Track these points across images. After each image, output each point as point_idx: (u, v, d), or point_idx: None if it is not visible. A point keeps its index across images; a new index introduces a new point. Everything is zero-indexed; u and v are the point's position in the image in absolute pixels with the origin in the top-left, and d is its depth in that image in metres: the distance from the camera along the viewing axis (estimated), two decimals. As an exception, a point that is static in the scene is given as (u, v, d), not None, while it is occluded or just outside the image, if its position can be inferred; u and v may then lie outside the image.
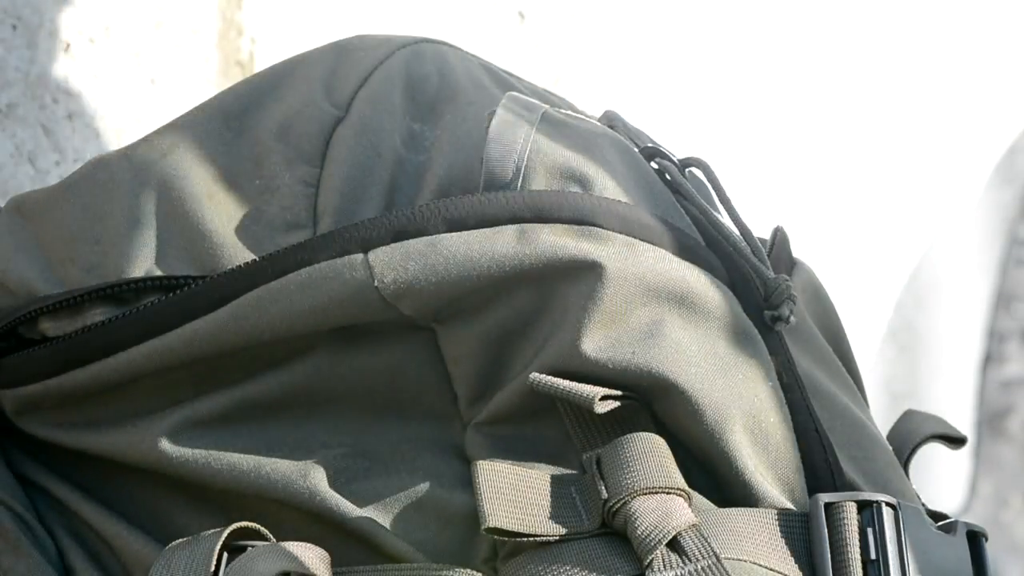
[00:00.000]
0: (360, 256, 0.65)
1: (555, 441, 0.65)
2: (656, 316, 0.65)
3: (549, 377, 0.64)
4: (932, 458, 2.17)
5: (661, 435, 0.64)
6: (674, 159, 0.73)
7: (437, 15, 1.23)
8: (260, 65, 1.08)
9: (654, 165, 0.71)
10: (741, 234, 0.69)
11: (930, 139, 1.86)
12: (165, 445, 0.66)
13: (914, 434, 0.74)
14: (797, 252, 0.77)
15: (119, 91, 0.99)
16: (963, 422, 1.94)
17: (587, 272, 0.64)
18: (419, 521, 0.64)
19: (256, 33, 1.09)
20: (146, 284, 0.68)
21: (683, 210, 0.69)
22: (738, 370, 0.66)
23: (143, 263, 0.68)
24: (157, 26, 1.01)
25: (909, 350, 1.91)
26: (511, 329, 0.65)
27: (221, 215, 0.69)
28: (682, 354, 0.64)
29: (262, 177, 0.70)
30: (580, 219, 0.65)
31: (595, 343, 0.64)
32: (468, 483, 0.64)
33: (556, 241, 0.64)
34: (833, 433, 0.69)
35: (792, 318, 0.68)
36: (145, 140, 0.73)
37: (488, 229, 0.65)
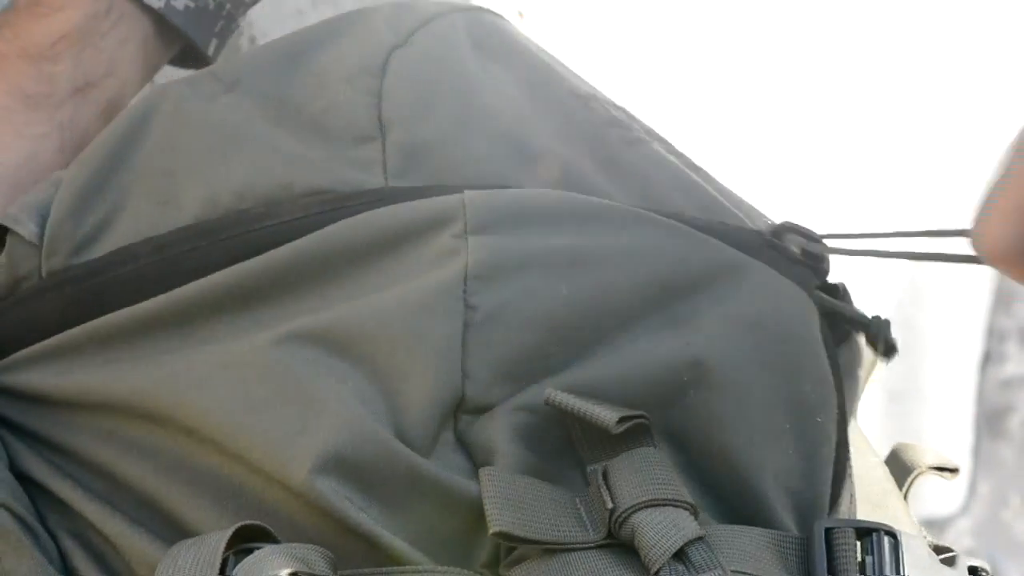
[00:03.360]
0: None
1: (563, 449, 0.65)
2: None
3: (566, 395, 0.63)
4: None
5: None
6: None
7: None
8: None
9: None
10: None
11: (930, 137, 1.86)
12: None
13: (909, 467, 0.75)
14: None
15: (119, 90, 0.99)
16: (962, 421, 1.94)
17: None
18: (421, 511, 0.63)
19: (256, 33, 1.09)
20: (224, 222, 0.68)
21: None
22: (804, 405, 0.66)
23: (218, 189, 0.68)
24: (157, 25, 1.00)
25: (908, 349, 1.91)
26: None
27: (290, 137, 0.69)
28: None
29: (324, 98, 0.70)
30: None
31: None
32: (471, 475, 0.64)
33: None
34: (860, 477, 0.70)
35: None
36: (208, 72, 0.73)
37: None
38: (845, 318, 0.70)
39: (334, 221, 0.66)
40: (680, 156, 0.73)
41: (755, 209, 0.73)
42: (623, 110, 0.75)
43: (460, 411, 0.64)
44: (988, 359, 1.97)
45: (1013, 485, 1.95)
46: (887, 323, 0.71)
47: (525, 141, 0.70)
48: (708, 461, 0.64)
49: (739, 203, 0.73)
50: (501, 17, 0.77)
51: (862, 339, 0.72)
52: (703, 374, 0.64)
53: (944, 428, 1.94)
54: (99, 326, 0.67)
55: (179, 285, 0.67)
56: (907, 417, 1.87)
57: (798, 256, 0.69)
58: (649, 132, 0.74)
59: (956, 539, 1.86)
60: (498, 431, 0.64)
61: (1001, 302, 1.98)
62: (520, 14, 1.28)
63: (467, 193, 0.66)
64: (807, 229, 0.70)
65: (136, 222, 0.68)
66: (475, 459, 0.64)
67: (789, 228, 0.70)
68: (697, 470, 0.64)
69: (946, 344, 1.95)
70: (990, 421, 1.96)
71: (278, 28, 1.11)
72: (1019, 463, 1.96)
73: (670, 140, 0.75)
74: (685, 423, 0.64)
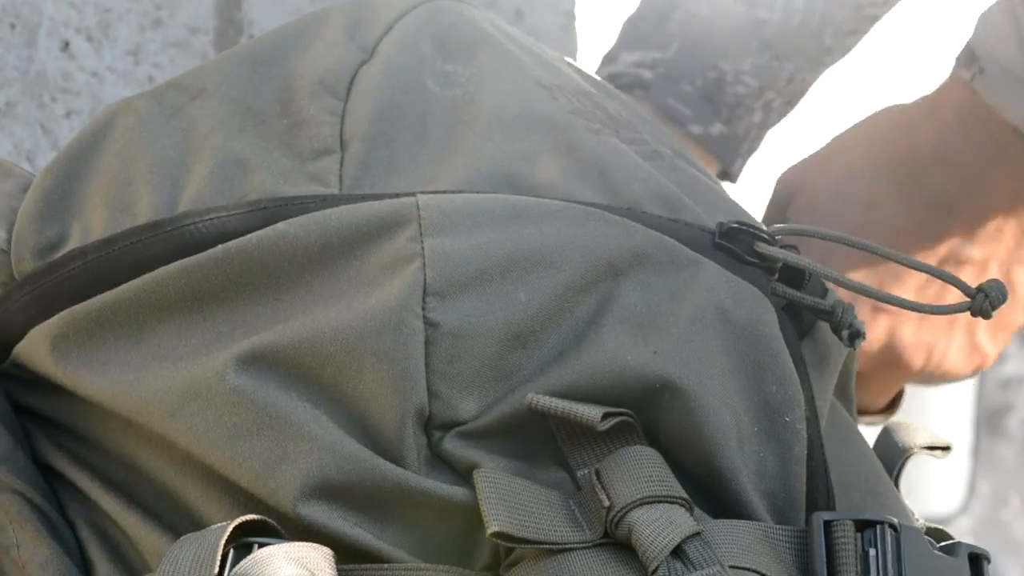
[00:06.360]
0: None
1: (548, 458, 0.65)
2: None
3: (548, 398, 0.63)
4: (930, 458, 2.17)
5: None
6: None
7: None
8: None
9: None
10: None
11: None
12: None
13: (900, 448, 0.74)
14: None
15: (117, 90, 0.99)
16: (962, 421, 1.94)
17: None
18: (414, 522, 0.63)
19: (255, 32, 1.09)
20: (182, 224, 0.67)
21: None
22: (765, 402, 0.66)
23: (177, 197, 0.68)
24: (155, 24, 1.01)
25: (908, 349, 1.90)
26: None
27: (252, 146, 0.69)
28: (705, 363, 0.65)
29: (289, 116, 0.70)
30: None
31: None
32: (458, 483, 0.63)
33: None
34: (848, 464, 0.69)
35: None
36: (172, 83, 0.73)
37: None
38: (806, 308, 0.69)
39: (283, 216, 0.66)
40: (641, 143, 0.73)
41: (728, 200, 0.72)
42: (589, 97, 0.74)
43: (431, 427, 0.64)
44: (988, 358, 1.97)
45: (1013, 485, 1.95)
46: (850, 308, 0.70)
47: (481, 153, 0.69)
48: (687, 463, 0.64)
49: (705, 194, 0.72)
50: (464, 4, 0.77)
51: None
52: (673, 381, 0.63)
53: (944, 428, 1.94)
54: (53, 324, 0.67)
55: (126, 280, 0.66)
56: (907, 416, 1.87)
57: (747, 257, 0.68)
58: (614, 120, 0.73)
59: (956, 539, 1.86)
60: (478, 445, 0.64)
61: (1001, 301, 1.98)
62: (519, 13, 1.28)
63: (420, 196, 0.66)
64: (758, 228, 0.70)
65: (94, 228, 0.69)
66: (458, 473, 0.64)
67: (739, 228, 0.69)
68: (678, 472, 0.64)
69: (946, 343, 1.94)
70: (990, 421, 1.96)
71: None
72: (1019, 463, 1.96)
73: (643, 124, 0.74)
74: (661, 427, 0.64)
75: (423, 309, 0.64)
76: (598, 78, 0.80)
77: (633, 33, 0.94)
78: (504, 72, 0.72)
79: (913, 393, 1.89)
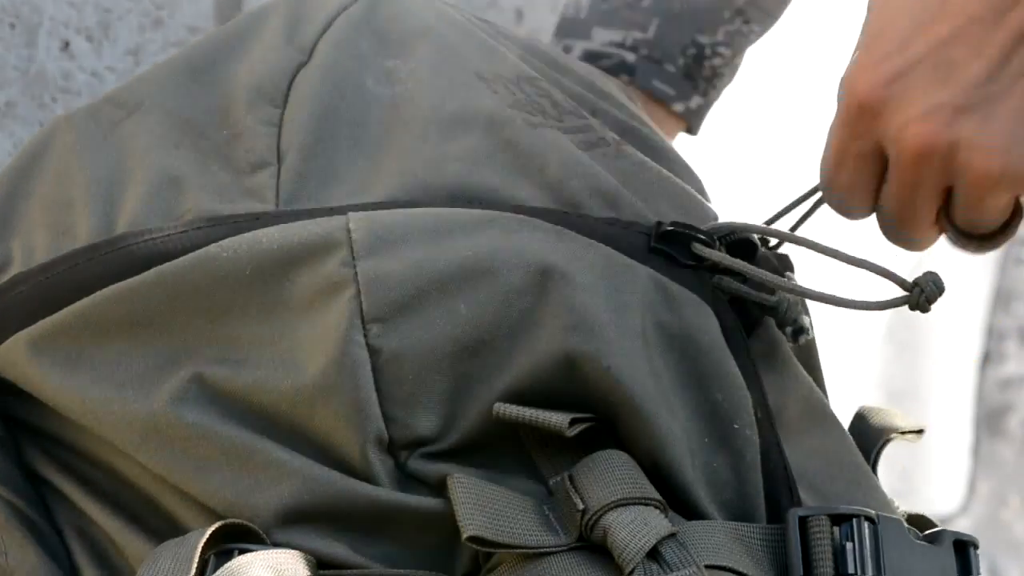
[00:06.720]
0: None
1: (517, 468, 0.65)
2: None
3: (514, 407, 0.63)
4: (930, 457, 2.17)
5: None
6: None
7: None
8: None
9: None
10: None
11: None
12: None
13: (875, 434, 0.74)
14: (793, 251, 0.77)
15: (117, 90, 0.99)
16: (962, 421, 1.94)
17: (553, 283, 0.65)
18: (393, 535, 0.63)
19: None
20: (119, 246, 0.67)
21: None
22: (704, 405, 0.65)
23: (115, 219, 0.68)
24: (155, 24, 1.01)
25: (908, 349, 1.91)
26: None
27: (188, 162, 0.69)
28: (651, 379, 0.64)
29: (228, 127, 0.70)
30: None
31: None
32: (433, 495, 0.63)
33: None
34: (831, 454, 0.69)
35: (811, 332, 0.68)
36: (110, 98, 0.73)
37: None
38: (751, 304, 0.69)
39: (217, 237, 0.65)
40: (585, 131, 0.71)
41: (674, 185, 0.72)
42: (533, 83, 0.73)
43: (395, 449, 0.64)
44: (988, 358, 1.97)
45: (1013, 485, 1.94)
46: (795, 305, 0.69)
47: (418, 155, 0.69)
48: (648, 473, 0.64)
49: (648, 182, 0.71)
50: None
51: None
52: (626, 397, 0.63)
53: (944, 428, 1.94)
54: (8, 348, 0.67)
55: (64, 305, 0.66)
56: (907, 416, 1.87)
57: (683, 260, 0.68)
58: (558, 107, 0.72)
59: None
60: (448, 460, 0.63)
61: (1000, 301, 1.98)
62: (519, 13, 1.28)
63: (351, 216, 0.65)
64: (695, 229, 0.69)
65: (37, 250, 0.69)
66: (432, 487, 0.64)
67: (674, 231, 0.68)
68: None
69: (946, 343, 1.94)
70: (989, 420, 1.96)
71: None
72: (1019, 463, 1.96)
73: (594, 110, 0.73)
74: (621, 440, 0.64)
75: (365, 337, 0.63)
76: (551, 52, 0.78)
77: (603, 6, 0.93)
78: (443, 67, 0.71)
79: (912, 393, 1.89)
